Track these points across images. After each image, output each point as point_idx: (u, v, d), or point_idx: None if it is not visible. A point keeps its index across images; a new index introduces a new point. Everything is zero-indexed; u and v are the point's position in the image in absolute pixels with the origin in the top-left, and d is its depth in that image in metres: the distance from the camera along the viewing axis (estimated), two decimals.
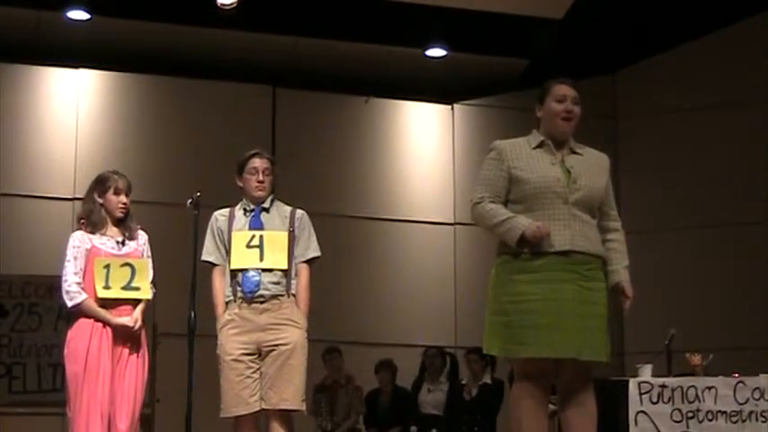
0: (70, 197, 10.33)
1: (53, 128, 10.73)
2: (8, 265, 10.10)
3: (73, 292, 5.67)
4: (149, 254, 5.92)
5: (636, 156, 11.62)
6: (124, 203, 5.84)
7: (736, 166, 11.37)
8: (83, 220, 5.86)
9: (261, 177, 5.90)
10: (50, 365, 9.66)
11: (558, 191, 4.86)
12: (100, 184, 5.87)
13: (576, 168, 4.92)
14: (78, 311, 5.67)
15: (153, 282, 5.86)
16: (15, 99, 10.63)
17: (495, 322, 4.89)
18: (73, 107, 10.79)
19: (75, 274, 5.69)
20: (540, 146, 4.98)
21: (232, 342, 5.71)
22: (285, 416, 5.73)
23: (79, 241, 5.76)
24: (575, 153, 5.01)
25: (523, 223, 4.78)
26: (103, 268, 5.69)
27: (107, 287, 5.68)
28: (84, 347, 5.61)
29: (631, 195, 10.92)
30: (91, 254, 5.72)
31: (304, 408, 5.79)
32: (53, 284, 9.38)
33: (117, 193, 5.83)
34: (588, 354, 4.81)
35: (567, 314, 4.77)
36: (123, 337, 5.67)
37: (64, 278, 5.70)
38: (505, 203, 4.93)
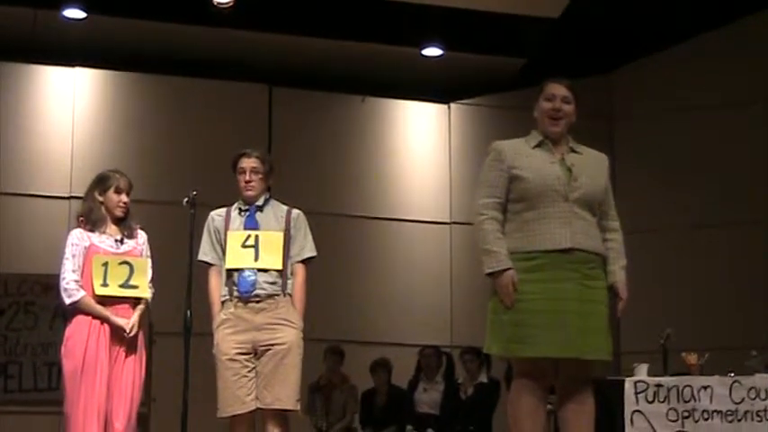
0: (66, 195, 10.32)
1: (49, 126, 10.71)
2: (4, 263, 10.10)
3: (71, 289, 5.67)
4: (149, 254, 5.94)
5: (633, 155, 11.60)
6: (125, 203, 5.86)
7: (734, 166, 11.35)
8: (82, 218, 5.86)
9: (248, 177, 5.91)
10: (46, 364, 9.67)
11: (559, 189, 4.87)
12: (101, 183, 5.89)
13: (576, 167, 4.95)
14: (76, 309, 5.68)
15: (151, 282, 5.87)
16: (11, 97, 10.60)
17: (497, 321, 4.89)
18: (69, 105, 10.77)
19: (74, 271, 5.70)
20: (538, 145, 5.00)
21: (228, 341, 5.71)
22: (280, 415, 5.73)
23: (78, 239, 5.77)
24: (574, 152, 5.03)
25: (499, 268, 4.81)
26: (102, 266, 5.70)
27: (105, 284, 5.69)
28: (83, 345, 5.61)
29: (628, 195, 10.87)
30: (89, 251, 5.73)
31: (298, 407, 5.80)
32: (49, 283, 9.41)
33: (118, 192, 5.85)
34: (590, 353, 4.83)
35: (570, 313, 4.78)
36: (121, 335, 5.68)
37: (62, 276, 5.70)
38: (506, 203, 4.93)
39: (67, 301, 5.69)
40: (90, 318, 5.66)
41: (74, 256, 5.72)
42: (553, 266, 4.82)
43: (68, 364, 5.65)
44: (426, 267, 11.59)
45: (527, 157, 4.95)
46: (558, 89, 5.04)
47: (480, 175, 5.05)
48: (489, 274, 4.86)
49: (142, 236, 5.96)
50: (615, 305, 5.00)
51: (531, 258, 4.83)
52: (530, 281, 4.81)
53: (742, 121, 11.34)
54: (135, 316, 5.75)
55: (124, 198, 5.86)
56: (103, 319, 5.65)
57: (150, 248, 5.98)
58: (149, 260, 5.92)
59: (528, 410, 4.86)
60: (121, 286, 5.73)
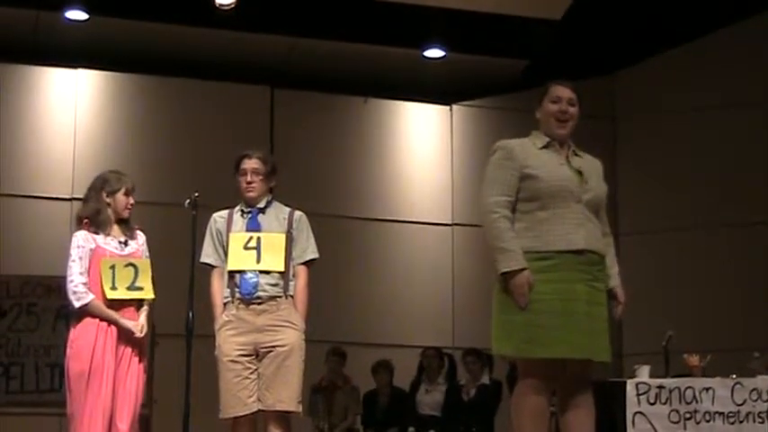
0: (68, 197, 10.33)
1: (51, 128, 10.73)
2: (6, 265, 10.11)
3: (80, 292, 5.65)
4: (147, 254, 5.94)
5: (635, 156, 11.62)
6: (132, 204, 5.86)
7: (735, 167, 11.37)
8: (86, 220, 5.84)
9: (249, 178, 5.91)
10: (48, 366, 9.68)
11: (572, 190, 4.87)
12: (108, 184, 5.86)
13: (584, 169, 4.95)
14: (84, 311, 5.66)
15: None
16: (13, 99, 10.62)
17: (508, 321, 4.85)
18: (71, 107, 10.79)
19: (81, 274, 5.68)
20: (546, 146, 4.98)
21: (230, 343, 5.71)
22: (282, 417, 5.73)
23: (83, 241, 5.75)
24: (576, 155, 5.04)
25: (516, 267, 4.76)
26: (109, 269, 5.69)
27: (114, 288, 5.68)
28: (90, 347, 5.60)
29: (630, 196, 10.94)
30: (95, 254, 5.71)
31: (300, 409, 5.79)
32: (51, 284, 9.45)
33: (127, 194, 5.85)
34: (599, 355, 4.85)
35: (579, 314, 4.78)
36: (127, 337, 5.69)
37: (69, 278, 5.67)
38: (515, 203, 4.92)
39: (77, 304, 5.66)
40: (97, 320, 5.65)
41: (80, 258, 5.70)
42: (565, 267, 4.80)
43: (74, 365, 5.63)
44: (428, 269, 11.59)
45: (537, 157, 4.93)
46: (564, 91, 5.03)
47: (488, 174, 4.97)
48: (504, 274, 4.82)
49: (141, 237, 5.96)
50: (614, 309, 5.02)
51: (545, 258, 4.81)
52: (543, 281, 4.78)
53: (743, 123, 11.35)
54: (142, 317, 5.75)
55: (132, 200, 5.87)
56: (112, 322, 5.65)
57: (152, 250, 5.97)
58: (149, 261, 5.92)
59: (534, 411, 4.84)
60: (128, 288, 5.72)
